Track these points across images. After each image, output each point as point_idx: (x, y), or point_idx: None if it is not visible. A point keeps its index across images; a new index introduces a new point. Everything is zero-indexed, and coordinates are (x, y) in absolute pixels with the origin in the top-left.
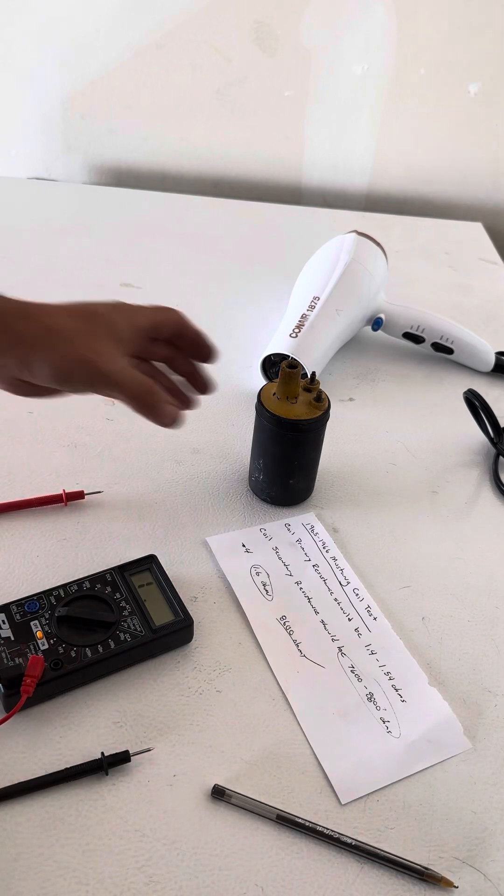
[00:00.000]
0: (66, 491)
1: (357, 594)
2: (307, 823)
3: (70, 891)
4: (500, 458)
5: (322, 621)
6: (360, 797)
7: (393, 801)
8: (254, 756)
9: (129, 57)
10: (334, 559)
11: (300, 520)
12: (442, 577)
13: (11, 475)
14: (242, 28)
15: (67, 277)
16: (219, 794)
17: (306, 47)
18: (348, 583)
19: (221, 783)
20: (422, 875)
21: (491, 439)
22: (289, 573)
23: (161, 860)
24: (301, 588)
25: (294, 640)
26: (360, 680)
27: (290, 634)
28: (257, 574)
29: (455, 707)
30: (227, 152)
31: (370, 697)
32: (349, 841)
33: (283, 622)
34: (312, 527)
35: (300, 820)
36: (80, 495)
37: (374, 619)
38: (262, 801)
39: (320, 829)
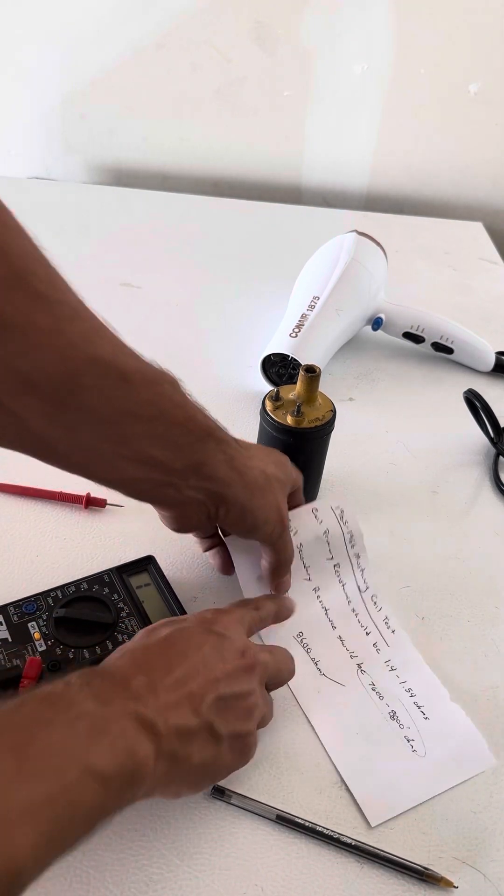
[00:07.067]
0: (91, 496)
1: (375, 602)
2: (307, 823)
3: (70, 890)
4: (500, 458)
5: (340, 637)
6: (389, 819)
7: None
8: (254, 756)
9: (129, 57)
10: (357, 556)
11: (328, 503)
12: (442, 577)
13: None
14: (242, 28)
15: (67, 277)
16: (219, 793)
17: (306, 47)
18: (367, 588)
19: (221, 783)
20: (422, 875)
21: (491, 439)
22: (308, 577)
23: (161, 860)
24: (319, 598)
25: (312, 659)
26: (381, 698)
27: (307, 652)
28: None
29: None
30: (227, 152)
31: (393, 716)
32: (349, 841)
33: (300, 639)
34: (342, 512)
35: (300, 820)
36: (101, 503)
37: (393, 631)
38: (262, 801)
39: (320, 829)
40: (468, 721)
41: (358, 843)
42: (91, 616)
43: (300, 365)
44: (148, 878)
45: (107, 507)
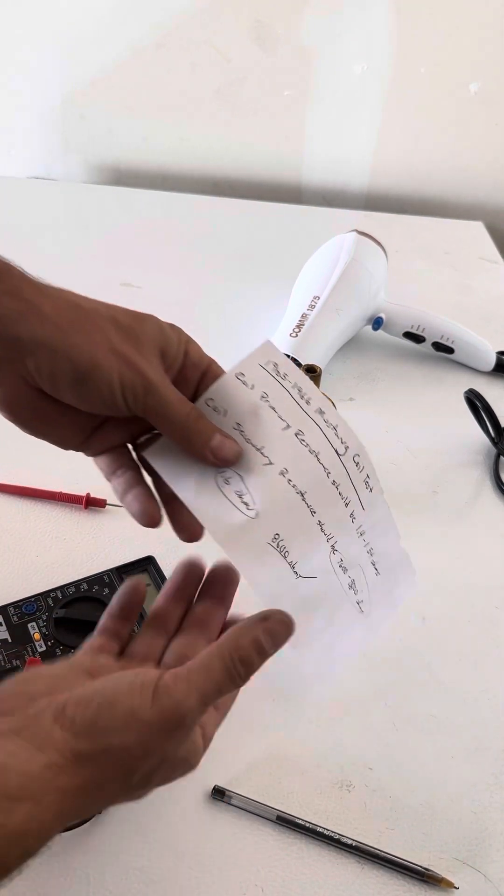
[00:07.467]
0: (91, 496)
1: (357, 464)
2: (307, 824)
3: (71, 891)
4: (501, 457)
5: (319, 522)
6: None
7: (393, 802)
8: (254, 756)
9: (129, 57)
10: (321, 412)
11: (255, 361)
12: (442, 577)
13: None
14: (242, 28)
15: (67, 277)
16: (219, 794)
17: (306, 46)
18: (346, 448)
19: (221, 784)
20: (422, 876)
21: (491, 439)
22: (268, 461)
23: (161, 860)
24: (290, 482)
25: (290, 563)
26: (345, 571)
27: (284, 557)
28: (227, 482)
29: (455, 707)
30: (227, 152)
31: (351, 585)
32: (349, 841)
33: (276, 543)
34: (275, 365)
35: (300, 820)
36: (101, 503)
37: (370, 490)
38: (262, 801)
39: (320, 829)
40: (406, 555)
41: (358, 844)
42: (91, 616)
43: (300, 365)
44: (148, 879)
45: (107, 507)
